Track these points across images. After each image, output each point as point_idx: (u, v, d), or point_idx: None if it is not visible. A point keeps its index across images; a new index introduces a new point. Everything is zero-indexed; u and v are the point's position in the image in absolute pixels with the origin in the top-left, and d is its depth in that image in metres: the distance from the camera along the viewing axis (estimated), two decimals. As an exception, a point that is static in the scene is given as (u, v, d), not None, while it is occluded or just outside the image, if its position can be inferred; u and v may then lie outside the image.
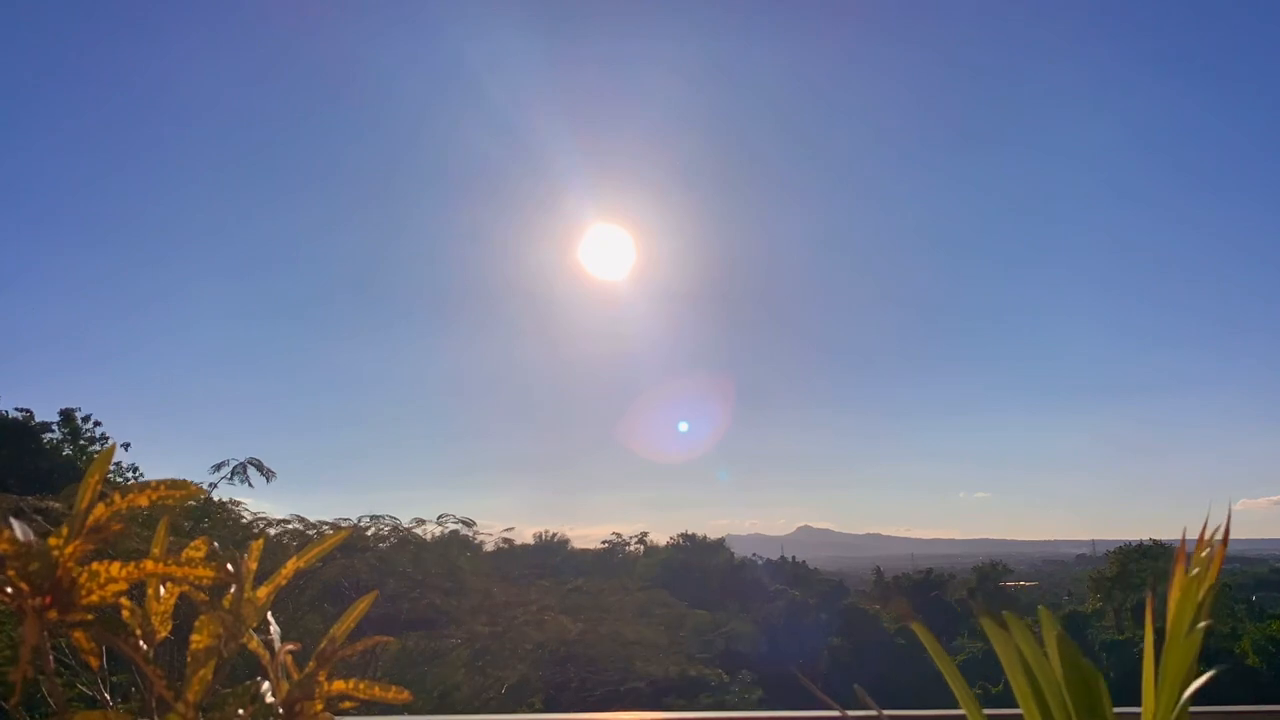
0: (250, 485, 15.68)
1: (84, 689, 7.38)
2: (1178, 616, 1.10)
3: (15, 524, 0.73)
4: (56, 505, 9.55)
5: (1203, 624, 1.06)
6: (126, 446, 22.00)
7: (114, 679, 7.68)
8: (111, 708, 0.95)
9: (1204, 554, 1.15)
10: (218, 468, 15.56)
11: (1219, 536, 1.19)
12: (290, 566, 0.92)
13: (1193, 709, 1.18)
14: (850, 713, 1.48)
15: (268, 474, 15.97)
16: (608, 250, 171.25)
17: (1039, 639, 1.18)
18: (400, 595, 14.98)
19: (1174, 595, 1.13)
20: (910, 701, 2.74)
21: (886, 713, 1.50)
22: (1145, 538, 37.88)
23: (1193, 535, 1.22)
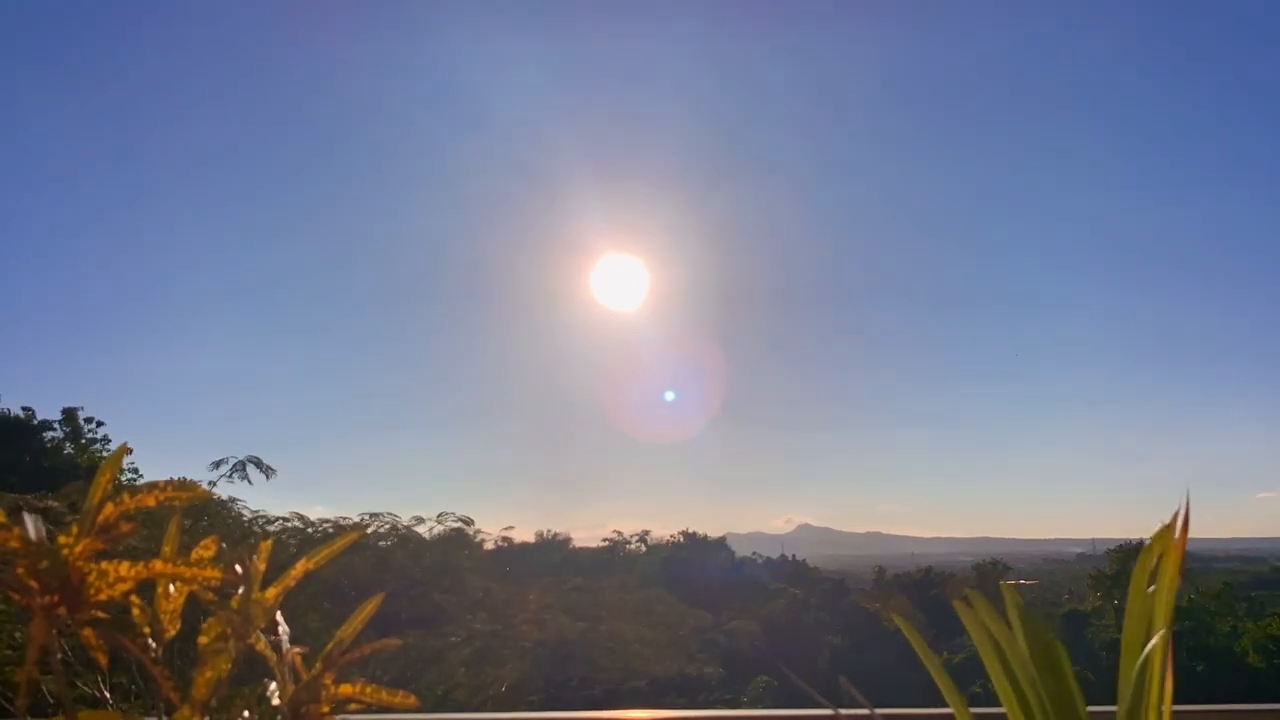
0: (250, 483, 15.63)
1: (84, 688, 7.36)
2: (1130, 633, 1.15)
3: (28, 520, 0.73)
4: (56, 504, 9.53)
5: (1155, 638, 1.09)
6: (129, 452, 22.10)
7: (115, 680, 7.67)
8: (112, 707, 0.95)
9: (1154, 562, 1.18)
10: (217, 465, 15.51)
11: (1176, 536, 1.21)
12: (300, 568, 0.92)
13: (1192, 708, 1.18)
14: (843, 710, 1.49)
15: (267, 471, 15.93)
16: (610, 250, 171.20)
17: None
18: (399, 594, 14.97)
19: (1129, 610, 1.18)
20: (911, 701, 2.75)
21: (879, 711, 1.50)
22: (1146, 536, 37.86)
23: (1154, 536, 1.25)
